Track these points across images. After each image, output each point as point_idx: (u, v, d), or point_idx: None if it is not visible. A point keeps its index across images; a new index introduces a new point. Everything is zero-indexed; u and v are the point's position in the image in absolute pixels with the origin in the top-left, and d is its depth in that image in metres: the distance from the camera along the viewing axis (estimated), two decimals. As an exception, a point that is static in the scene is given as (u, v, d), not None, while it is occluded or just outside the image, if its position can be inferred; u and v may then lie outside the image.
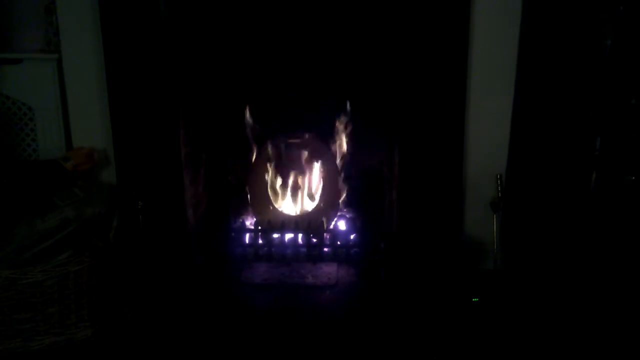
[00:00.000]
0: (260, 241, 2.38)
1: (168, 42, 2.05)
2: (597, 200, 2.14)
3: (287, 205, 2.46)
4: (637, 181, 2.09)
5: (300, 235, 2.37)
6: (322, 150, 2.41)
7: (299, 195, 2.45)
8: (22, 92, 2.24)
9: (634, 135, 2.11)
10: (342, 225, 2.47)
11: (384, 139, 2.34)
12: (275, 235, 2.37)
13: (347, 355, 1.79)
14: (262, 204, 2.43)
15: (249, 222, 2.50)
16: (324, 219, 2.40)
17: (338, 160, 2.45)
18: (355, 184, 2.48)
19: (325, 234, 2.37)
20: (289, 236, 2.37)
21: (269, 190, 2.43)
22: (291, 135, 2.42)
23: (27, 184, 1.98)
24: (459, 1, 1.98)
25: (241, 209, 2.55)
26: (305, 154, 2.42)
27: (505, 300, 2.02)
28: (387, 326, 1.91)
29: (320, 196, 2.42)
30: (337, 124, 2.42)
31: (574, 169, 2.20)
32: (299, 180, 2.44)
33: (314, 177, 2.44)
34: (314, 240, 2.36)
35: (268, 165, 2.42)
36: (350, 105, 2.36)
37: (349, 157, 2.45)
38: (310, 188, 2.45)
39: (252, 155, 2.45)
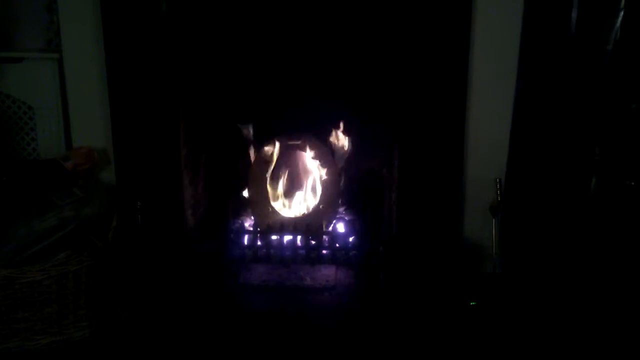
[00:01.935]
0: (259, 243, 2.37)
1: (169, 42, 2.05)
2: (596, 205, 2.15)
3: (286, 207, 2.46)
4: (636, 186, 2.09)
5: (299, 237, 2.37)
6: (322, 152, 2.41)
7: (298, 197, 2.45)
8: (22, 91, 2.25)
9: (633, 140, 2.11)
10: (341, 227, 2.46)
11: (383, 141, 2.33)
12: (274, 237, 2.37)
13: (344, 358, 1.79)
14: (261, 205, 2.43)
15: (248, 224, 2.50)
16: (323, 221, 2.40)
17: (337, 163, 2.45)
18: (354, 187, 2.48)
19: (324, 236, 2.37)
20: (287, 238, 2.36)
21: (268, 191, 2.43)
22: (291, 137, 2.42)
23: (27, 183, 1.98)
24: (460, 5, 1.98)
25: (240, 210, 2.55)
26: (304, 155, 2.42)
27: (504, 304, 2.02)
28: (385, 329, 1.91)
29: (320, 198, 2.42)
30: (337, 126, 2.42)
31: (574, 173, 2.20)
32: (298, 182, 2.44)
33: (313, 179, 2.44)
34: (313, 242, 2.36)
35: (267, 166, 2.42)
36: (351, 107, 2.35)
37: (348, 159, 2.45)
38: (309, 190, 2.45)
39: (252, 156, 2.45)
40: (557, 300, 2.04)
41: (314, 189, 2.45)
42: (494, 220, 2.15)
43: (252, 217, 2.47)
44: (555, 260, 2.17)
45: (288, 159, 2.44)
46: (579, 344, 1.82)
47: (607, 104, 2.16)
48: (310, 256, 2.33)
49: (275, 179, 2.44)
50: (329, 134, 2.44)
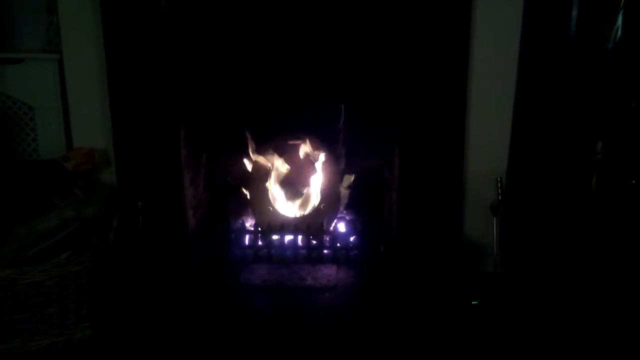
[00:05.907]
0: (259, 243, 2.37)
1: (169, 42, 2.05)
2: (597, 204, 2.15)
3: (287, 207, 2.46)
4: (637, 185, 2.09)
5: (299, 237, 2.37)
6: (322, 151, 2.41)
7: (298, 196, 2.45)
8: (22, 91, 2.24)
9: (634, 139, 2.11)
10: (341, 227, 2.46)
11: (384, 141, 2.33)
12: (275, 237, 2.37)
13: (346, 358, 1.79)
14: (262, 205, 2.43)
15: (249, 224, 2.50)
16: (324, 221, 2.40)
17: (338, 162, 2.45)
18: (355, 186, 2.48)
19: (324, 236, 2.37)
20: (288, 238, 2.36)
21: (269, 191, 2.43)
22: (292, 137, 2.42)
23: (27, 184, 1.98)
24: (460, 4, 1.98)
25: (241, 210, 2.55)
26: (305, 155, 2.42)
27: (505, 303, 2.02)
28: (387, 329, 1.91)
29: (320, 198, 2.42)
30: (338, 125, 2.41)
31: (575, 172, 2.20)
32: (299, 182, 2.44)
33: (314, 179, 2.43)
34: (314, 242, 2.36)
35: (268, 166, 2.42)
36: (351, 107, 2.35)
37: (349, 158, 2.45)
38: (310, 190, 2.45)
39: (252, 156, 2.45)
40: (558, 299, 2.04)
41: (314, 189, 2.44)
42: (494, 219, 2.15)
43: (253, 217, 2.47)
44: (556, 259, 2.17)
45: (289, 159, 2.44)
46: (579, 343, 1.82)
47: (607, 102, 2.16)
48: (311, 256, 2.33)
49: (275, 178, 2.44)
50: (330, 133, 2.44)
